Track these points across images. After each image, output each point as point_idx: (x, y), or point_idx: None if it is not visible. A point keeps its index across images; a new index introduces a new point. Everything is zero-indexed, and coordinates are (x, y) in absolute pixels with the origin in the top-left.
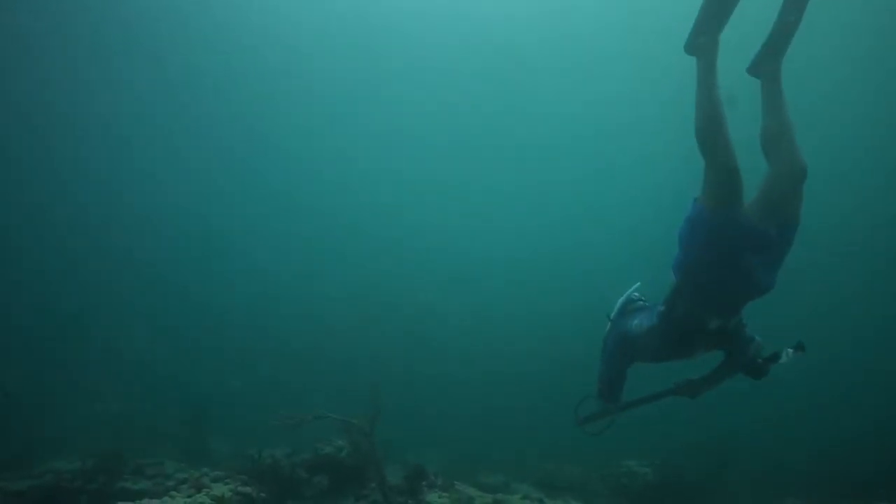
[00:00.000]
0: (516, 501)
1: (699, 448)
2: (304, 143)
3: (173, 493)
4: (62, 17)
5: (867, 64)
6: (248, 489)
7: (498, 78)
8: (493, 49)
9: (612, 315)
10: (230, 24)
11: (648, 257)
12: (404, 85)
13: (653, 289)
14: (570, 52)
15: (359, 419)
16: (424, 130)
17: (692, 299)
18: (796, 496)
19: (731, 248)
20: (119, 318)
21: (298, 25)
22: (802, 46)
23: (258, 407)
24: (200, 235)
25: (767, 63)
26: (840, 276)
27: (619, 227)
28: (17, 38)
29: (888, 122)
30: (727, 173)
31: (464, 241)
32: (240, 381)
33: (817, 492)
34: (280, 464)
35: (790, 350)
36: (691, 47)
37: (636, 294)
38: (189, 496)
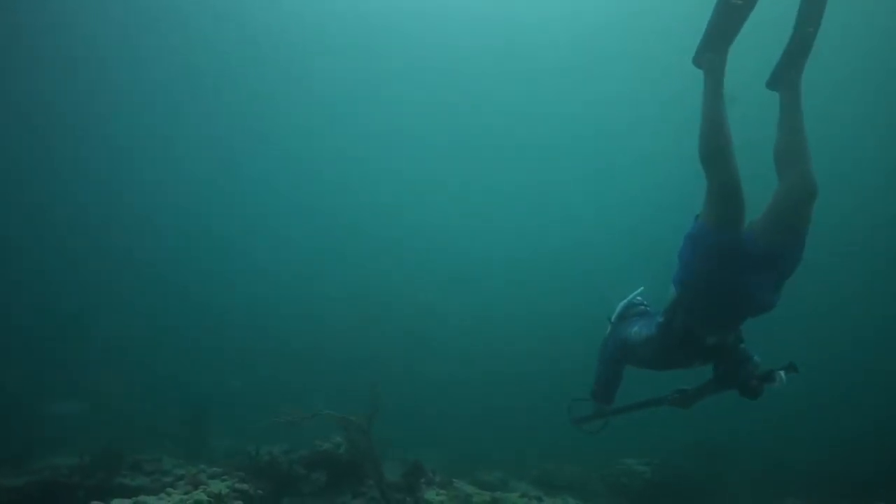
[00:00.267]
0: (514, 499)
1: (699, 448)
2: (303, 142)
3: (170, 489)
4: (63, 17)
5: (867, 63)
6: (245, 486)
7: (498, 78)
8: (492, 49)
9: (613, 318)
10: (230, 25)
11: (648, 257)
12: (404, 85)
13: (654, 288)
14: (570, 52)
15: (357, 416)
16: (424, 130)
17: (690, 314)
18: (796, 496)
19: (731, 268)
20: (119, 318)
21: (298, 25)
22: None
23: (258, 407)
24: (200, 235)
25: (787, 76)
26: (840, 276)
27: (620, 228)
28: (17, 39)
29: (888, 121)
30: (729, 195)
31: (464, 240)
32: (240, 380)
33: (817, 491)
34: (278, 460)
35: (782, 373)
36: (699, 61)
37: (639, 298)
38: (186, 493)
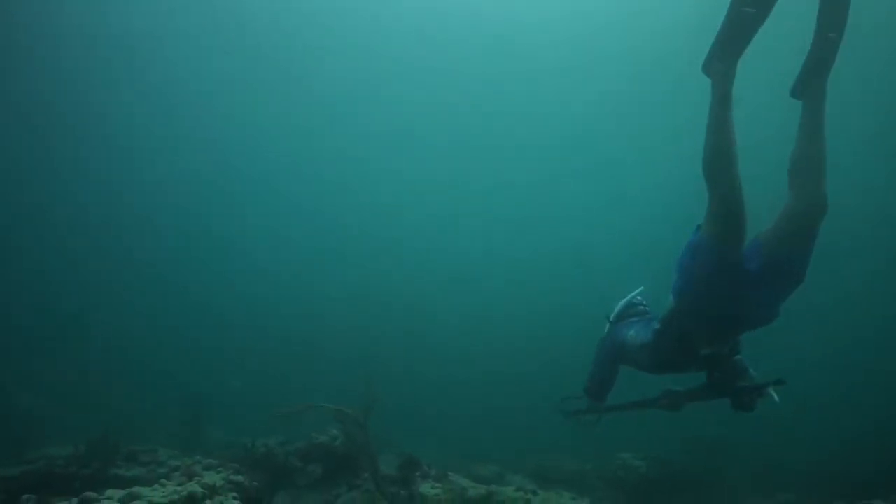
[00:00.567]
0: (509, 493)
1: (697, 443)
2: (303, 143)
3: (164, 480)
4: (64, 17)
5: (869, 62)
6: (240, 478)
7: (498, 77)
8: (492, 48)
9: (612, 317)
10: (230, 26)
11: (649, 257)
12: (404, 85)
13: (654, 288)
14: (570, 52)
15: (353, 409)
16: (425, 130)
17: (686, 325)
18: (791, 492)
19: (729, 283)
20: (119, 318)
21: (298, 25)
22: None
23: (258, 406)
24: (201, 235)
25: (812, 84)
26: (840, 276)
27: (620, 227)
28: (18, 39)
29: (889, 120)
30: (730, 213)
31: (464, 240)
32: (240, 380)
33: (817, 491)
34: (274, 452)
35: (774, 393)
36: (707, 70)
37: (638, 298)
38: (180, 484)
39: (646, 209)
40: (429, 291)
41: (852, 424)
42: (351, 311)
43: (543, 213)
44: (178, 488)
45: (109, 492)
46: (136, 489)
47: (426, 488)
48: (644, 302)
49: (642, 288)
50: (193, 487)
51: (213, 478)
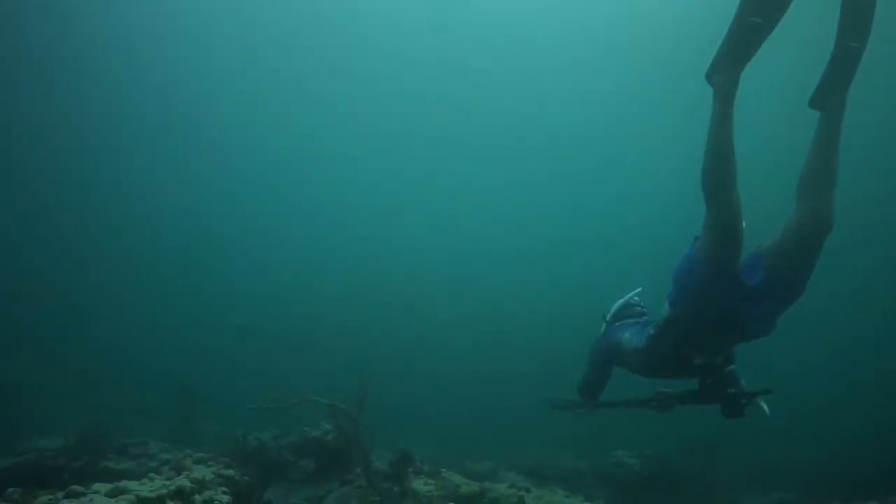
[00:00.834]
0: (502, 490)
1: (693, 443)
2: (304, 143)
3: (152, 474)
4: (65, 18)
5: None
6: (230, 472)
7: (499, 78)
8: (492, 48)
9: (609, 317)
10: (230, 27)
11: (648, 258)
12: (404, 84)
13: (652, 290)
14: (570, 52)
15: (346, 404)
16: (425, 130)
17: (681, 335)
18: (791, 491)
19: (724, 296)
20: (119, 316)
21: (297, 26)
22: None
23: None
24: (200, 235)
25: (831, 96)
26: (841, 276)
27: (620, 228)
28: (19, 40)
29: (889, 120)
30: (726, 230)
31: (463, 240)
32: (246, 380)
33: (817, 490)
34: (266, 446)
35: (764, 404)
36: (710, 80)
37: (636, 299)
38: (168, 478)
39: (646, 210)
40: (429, 291)
41: (852, 425)
42: (351, 310)
43: (543, 213)
44: (167, 482)
45: (96, 485)
46: (123, 483)
47: (418, 484)
48: (642, 303)
49: (640, 289)
50: (182, 482)
51: (202, 472)
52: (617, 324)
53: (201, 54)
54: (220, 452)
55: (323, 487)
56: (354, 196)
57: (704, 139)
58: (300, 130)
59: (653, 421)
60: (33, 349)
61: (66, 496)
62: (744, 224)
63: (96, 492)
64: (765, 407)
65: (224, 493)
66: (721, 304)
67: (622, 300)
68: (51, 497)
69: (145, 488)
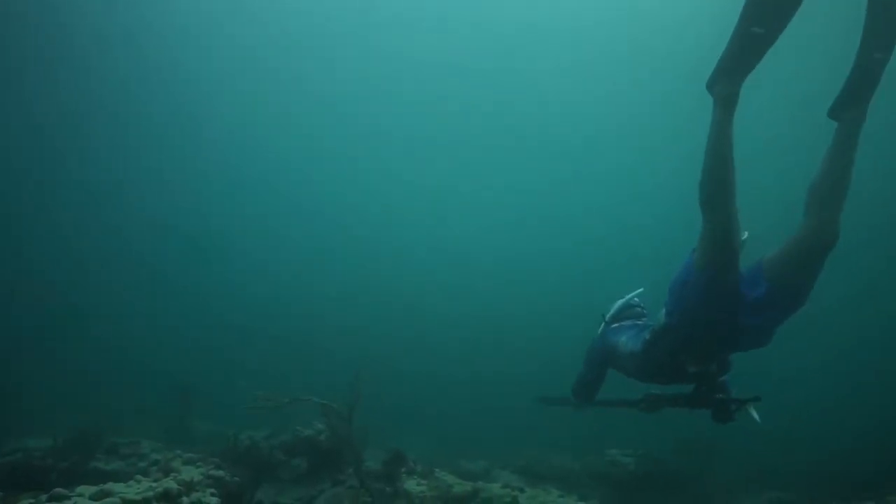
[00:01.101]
0: (496, 490)
1: (689, 444)
2: (305, 142)
3: (139, 476)
4: (66, 18)
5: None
6: (220, 472)
7: (501, 78)
8: (492, 49)
9: (608, 316)
10: (230, 26)
11: (649, 259)
12: (404, 86)
13: (653, 292)
14: (570, 52)
15: (338, 404)
16: (425, 130)
17: (676, 343)
18: (790, 491)
19: (720, 308)
20: (118, 316)
21: (297, 26)
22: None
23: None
24: (200, 235)
25: (851, 108)
26: (842, 276)
27: (621, 228)
28: (21, 39)
29: (890, 120)
30: (723, 240)
31: (464, 241)
32: (245, 381)
33: (817, 490)
34: (258, 445)
35: (755, 413)
36: (710, 89)
37: (636, 300)
38: (155, 480)
39: (648, 210)
40: (429, 291)
41: (852, 425)
42: (351, 310)
43: (544, 213)
44: (154, 484)
45: (81, 488)
46: (109, 485)
47: (411, 485)
48: (642, 304)
49: (642, 290)
50: (169, 484)
51: (191, 473)
52: (615, 325)
53: (200, 54)
54: (213, 452)
55: (315, 487)
56: (355, 196)
57: (703, 148)
58: (300, 130)
59: (650, 421)
60: (33, 349)
61: (49, 499)
62: (743, 236)
63: (80, 494)
64: (755, 414)
65: (213, 494)
66: (717, 315)
67: (623, 300)
68: (32, 501)
69: (131, 491)
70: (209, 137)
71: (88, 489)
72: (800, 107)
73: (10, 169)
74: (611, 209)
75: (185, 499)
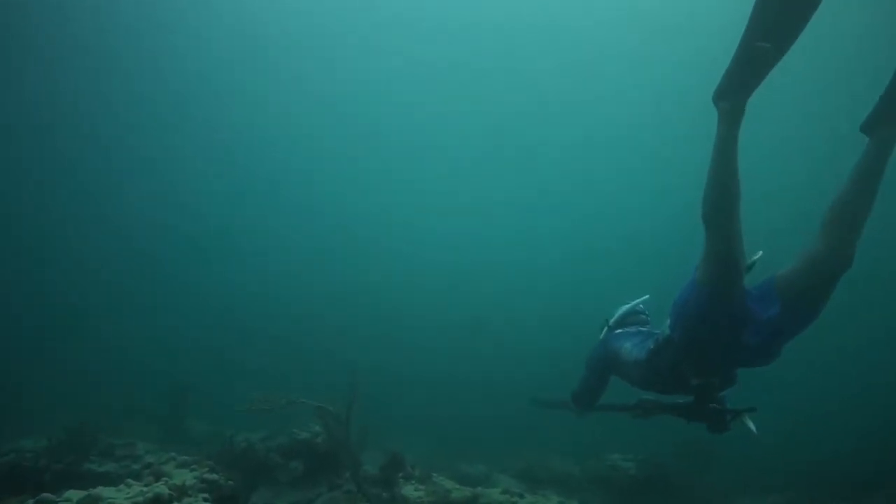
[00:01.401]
0: (495, 496)
1: (689, 447)
2: (304, 143)
3: (130, 480)
4: (67, 17)
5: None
6: (214, 476)
7: (502, 79)
8: (496, 49)
9: (612, 321)
10: (230, 26)
11: (652, 264)
12: (405, 85)
13: (657, 299)
14: (574, 53)
15: (335, 406)
16: (426, 131)
17: (678, 356)
18: (791, 490)
19: (723, 324)
20: (118, 316)
21: (298, 26)
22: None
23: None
24: (200, 235)
25: (884, 125)
26: (846, 278)
27: (626, 233)
28: (22, 39)
29: None
30: (725, 260)
31: (467, 244)
32: (244, 382)
33: (817, 491)
34: (254, 447)
35: (752, 425)
36: (716, 103)
37: (641, 307)
38: (146, 485)
39: (654, 216)
40: (431, 292)
41: (854, 426)
42: (351, 310)
43: (548, 215)
44: (144, 489)
45: (69, 493)
46: (97, 490)
47: (409, 490)
48: (646, 311)
49: (647, 296)
50: (160, 489)
51: (184, 476)
52: (618, 331)
53: (201, 54)
54: (209, 454)
55: (311, 491)
56: (355, 196)
57: (709, 157)
58: (301, 131)
59: (649, 424)
60: (33, 349)
61: None
62: (757, 255)
63: (68, 500)
64: (751, 425)
65: (205, 499)
66: (720, 333)
67: (628, 306)
68: None
69: (120, 496)
70: (211, 138)
71: (76, 494)
72: (816, 117)
73: (10, 169)
74: (617, 213)
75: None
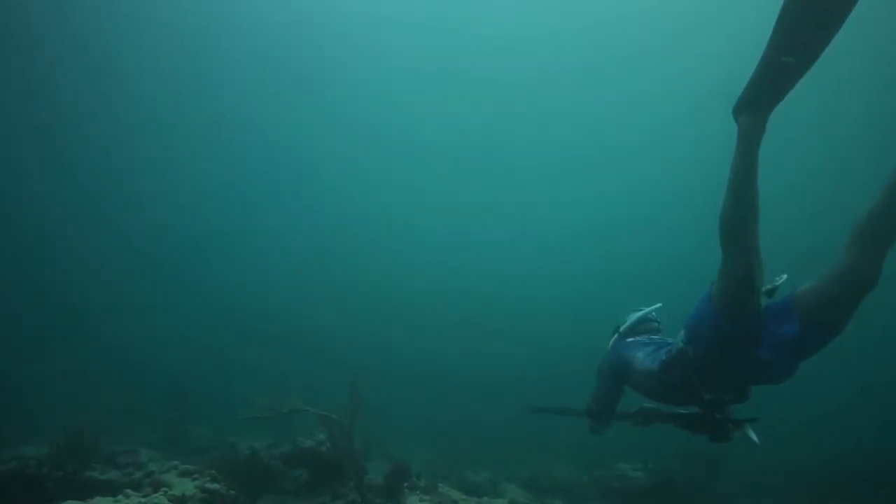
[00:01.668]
0: None
1: (696, 453)
2: (305, 144)
3: (128, 490)
4: (68, 17)
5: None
6: (216, 485)
7: (504, 80)
8: (498, 49)
9: (623, 328)
10: (232, 27)
11: (659, 268)
12: (405, 86)
13: (670, 306)
14: (583, 56)
15: (339, 414)
16: (427, 131)
17: (692, 371)
18: (787, 497)
19: (737, 343)
20: (119, 317)
21: (298, 26)
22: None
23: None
24: (201, 236)
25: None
26: None
27: (632, 237)
28: (22, 38)
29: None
30: (740, 280)
31: (473, 247)
32: (246, 387)
33: (817, 490)
34: (259, 455)
35: (754, 435)
36: (736, 117)
37: (653, 314)
38: (145, 496)
39: (666, 222)
40: (436, 294)
41: (852, 426)
42: (352, 311)
43: (556, 218)
44: (143, 500)
45: (67, 503)
46: (96, 501)
47: (414, 501)
48: (658, 319)
49: (660, 304)
50: (159, 500)
51: (185, 486)
52: (629, 339)
53: (201, 54)
54: (212, 461)
55: (315, 500)
56: (355, 196)
57: (728, 163)
58: (301, 131)
59: (652, 431)
60: (33, 349)
61: None
62: (781, 279)
63: None
64: (753, 435)
65: None
66: (734, 349)
67: (640, 314)
68: None
69: None
70: (209, 137)
71: None
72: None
73: (10, 169)
74: (623, 217)
75: None
